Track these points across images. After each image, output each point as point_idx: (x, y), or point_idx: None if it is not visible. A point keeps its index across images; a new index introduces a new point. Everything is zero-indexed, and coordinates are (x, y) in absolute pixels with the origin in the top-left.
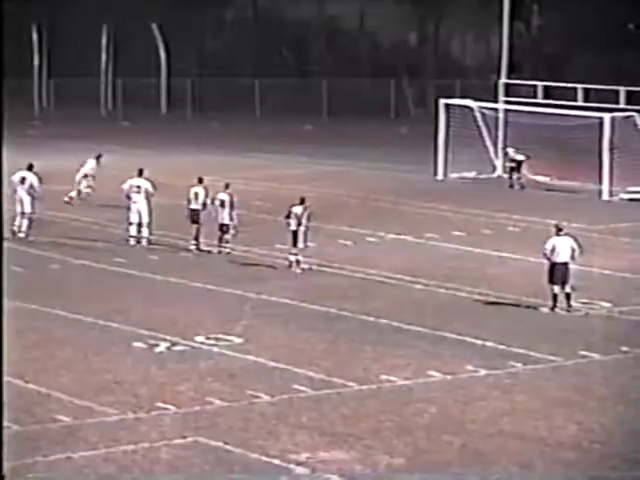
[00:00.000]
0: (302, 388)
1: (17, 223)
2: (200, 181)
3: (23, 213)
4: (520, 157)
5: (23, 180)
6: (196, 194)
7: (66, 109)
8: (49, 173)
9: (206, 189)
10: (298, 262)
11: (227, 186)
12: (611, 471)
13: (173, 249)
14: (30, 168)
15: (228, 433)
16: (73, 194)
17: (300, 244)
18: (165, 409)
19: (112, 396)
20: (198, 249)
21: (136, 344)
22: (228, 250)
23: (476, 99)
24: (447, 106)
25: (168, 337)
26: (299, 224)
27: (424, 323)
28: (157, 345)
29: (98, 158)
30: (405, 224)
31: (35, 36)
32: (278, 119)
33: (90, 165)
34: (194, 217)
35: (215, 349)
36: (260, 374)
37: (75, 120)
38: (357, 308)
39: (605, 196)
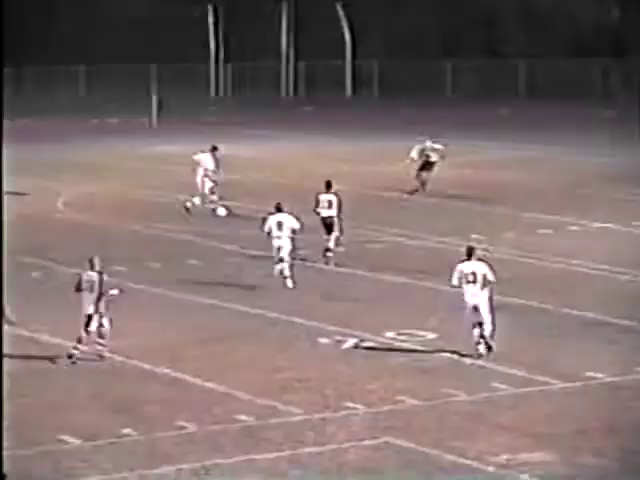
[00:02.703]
0: (501, 386)
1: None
2: (329, 186)
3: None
4: (435, 158)
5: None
6: (329, 202)
7: (244, 95)
8: (226, 161)
9: (337, 196)
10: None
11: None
12: None
13: (360, 241)
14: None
15: (422, 433)
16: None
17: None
18: (354, 408)
19: (297, 395)
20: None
21: (322, 340)
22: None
23: None
24: None
25: (356, 333)
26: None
27: (632, 316)
28: (344, 341)
29: (213, 150)
30: (610, 211)
31: (211, 18)
32: (471, 102)
33: (206, 161)
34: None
35: (407, 345)
36: (455, 371)
37: (254, 106)
38: (560, 301)
39: None
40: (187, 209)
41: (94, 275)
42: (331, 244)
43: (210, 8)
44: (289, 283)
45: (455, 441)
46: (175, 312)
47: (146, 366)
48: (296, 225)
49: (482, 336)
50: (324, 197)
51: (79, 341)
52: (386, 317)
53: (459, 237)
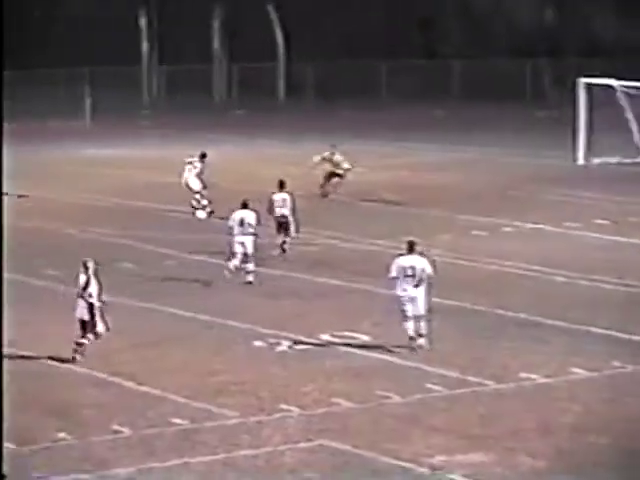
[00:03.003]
0: (435, 387)
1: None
2: (282, 185)
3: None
4: (347, 165)
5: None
6: (284, 200)
7: (177, 97)
8: (159, 164)
9: (291, 195)
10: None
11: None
12: None
13: (295, 243)
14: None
15: (357, 436)
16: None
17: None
18: (288, 411)
19: (232, 398)
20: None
21: (257, 343)
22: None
23: (619, 78)
24: (587, 86)
25: (291, 335)
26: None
27: (566, 317)
28: (279, 344)
29: (202, 157)
30: (543, 213)
31: (143, 21)
32: (407, 104)
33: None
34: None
35: (341, 347)
36: (389, 373)
37: (187, 109)
38: (493, 302)
39: None
40: (210, 213)
41: (83, 278)
42: (286, 240)
43: (143, 11)
44: (250, 278)
45: (390, 443)
46: (110, 316)
47: (81, 370)
48: (254, 222)
49: (418, 333)
50: (278, 196)
51: (77, 345)
52: (321, 319)
53: (394, 239)
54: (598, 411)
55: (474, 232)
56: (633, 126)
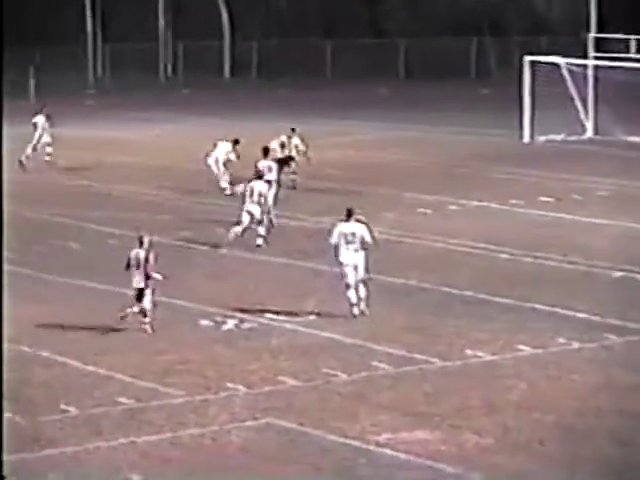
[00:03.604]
0: (381, 365)
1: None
2: (266, 153)
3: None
4: (302, 148)
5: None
6: (269, 167)
7: (123, 76)
8: (106, 144)
9: (275, 162)
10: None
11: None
12: None
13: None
14: (236, 143)
15: (303, 414)
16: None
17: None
18: (235, 390)
19: (178, 377)
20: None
21: (203, 322)
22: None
23: (564, 56)
24: (532, 64)
25: (236, 314)
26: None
27: (511, 294)
28: (225, 323)
29: (236, 143)
30: (489, 191)
31: (87, 0)
32: (351, 82)
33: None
34: None
35: (287, 325)
36: (336, 351)
37: (132, 88)
38: (439, 280)
39: None
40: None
41: (141, 252)
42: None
43: None
44: (260, 241)
45: (336, 421)
46: (58, 296)
47: (29, 350)
48: (266, 193)
49: (359, 298)
50: (263, 164)
51: (131, 307)
52: (266, 298)
53: (338, 217)
54: (544, 388)
55: (419, 210)
56: (578, 103)
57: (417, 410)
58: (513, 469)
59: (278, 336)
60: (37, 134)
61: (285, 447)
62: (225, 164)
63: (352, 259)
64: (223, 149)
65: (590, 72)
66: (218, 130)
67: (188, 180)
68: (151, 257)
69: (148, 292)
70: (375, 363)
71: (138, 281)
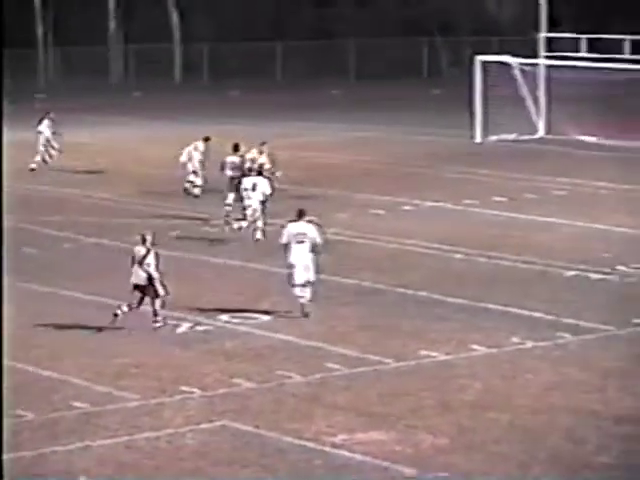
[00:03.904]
0: (336, 367)
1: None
2: (236, 149)
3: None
4: (263, 160)
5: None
6: (232, 162)
7: (74, 80)
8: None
9: (243, 157)
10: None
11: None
12: None
13: (195, 225)
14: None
15: (258, 416)
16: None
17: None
18: (190, 393)
19: (133, 380)
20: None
21: (157, 325)
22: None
23: (515, 56)
24: (484, 64)
25: (191, 317)
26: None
27: (465, 295)
28: (179, 325)
29: (206, 140)
30: (442, 191)
31: (38, 3)
32: (301, 84)
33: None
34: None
35: (241, 328)
36: (291, 353)
37: (83, 91)
38: (393, 281)
39: None
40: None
41: (142, 250)
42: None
43: None
44: (258, 234)
45: (292, 423)
46: (12, 300)
47: None
48: (267, 190)
49: (308, 299)
50: (231, 158)
51: (129, 305)
52: (220, 300)
53: (291, 219)
54: (498, 388)
55: (372, 211)
56: (529, 103)
57: (372, 411)
58: (468, 469)
59: (233, 338)
60: (41, 140)
61: (240, 449)
62: (201, 163)
63: (302, 259)
64: (199, 149)
65: (541, 72)
66: (169, 133)
67: (142, 183)
68: (152, 255)
69: (151, 289)
70: (330, 364)
71: (137, 277)
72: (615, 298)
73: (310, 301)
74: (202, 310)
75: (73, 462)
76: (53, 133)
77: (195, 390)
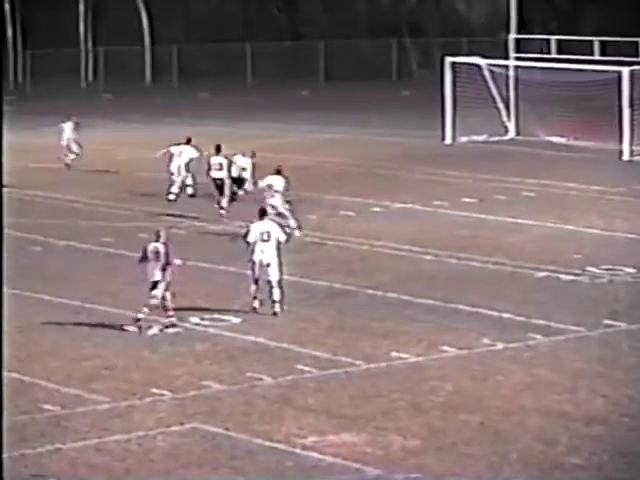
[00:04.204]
0: (307, 368)
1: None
2: (219, 150)
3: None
4: (246, 175)
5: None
6: (220, 164)
7: (44, 82)
8: (28, 150)
9: (227, 158)
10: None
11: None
12: None
13: (166, 227)
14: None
15: (229, 418)
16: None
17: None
18: (160, 395)
19: (103, 383)
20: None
21: (127, 327)
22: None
23: (485, 57)
24: (453, 65)
25: (161, 319)
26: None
27: (436, 296)
28: (149, 327)
29: (189, 142)
30: (412, 192)
31: (7, 6)
32: (271, 86)
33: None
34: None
35: (211, 330)
36: (261, 355)
37: (54, 93)
38: (363, 282)
39: (626, 156)
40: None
41: (160, 246)
42: (224, 202)
43: None
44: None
45: (262, 425)
46: None
47: None
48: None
49: (272, 299)
50: (215, 160)
51: (146, 306)
52: (190, 302)
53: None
54: (469, 389)
55: (343, 212)
56: (499, 104)
57: (343, 412)
58: (439, 470)
59: (203, 341)
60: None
61: (211, 451)
62: (187, 166)
63: (266, 257)
64: (186, 153)
65: (511, 73)
66: (140, 135)
67: (111, 185)
68: (169, 250)
69: (163, 284)
70: (300, 366)
71: (155, 274)
72: (586, 299)
73: (280, 301)
74: (173, 312)
75: (43, 465)
76: (72, 138)
77: (165, 392)
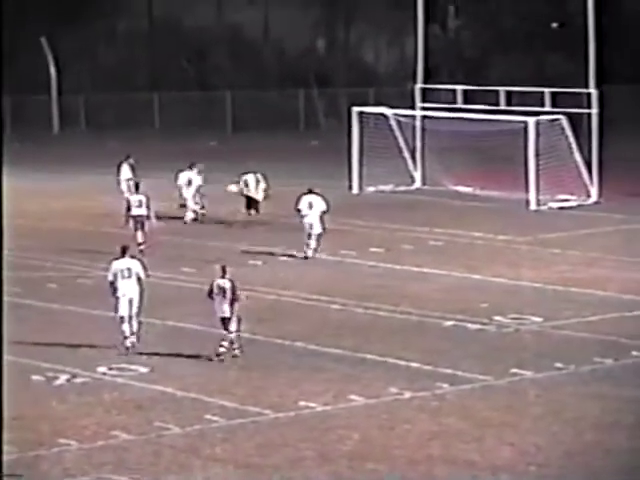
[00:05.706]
0: (214, 418)
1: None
2: (137, 188)
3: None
4: (260, 196)
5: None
6: (140, 201)
7: None
8: None
9: (147, 196)
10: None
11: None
12: None
13: (71, 276)
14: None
15: (136, 468)
16: None
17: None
18: (67, 445)
19: (10, 433)
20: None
21: (35, 377)
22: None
23: (391, 107)
24: (360, 115)
25: (68, 369)
26: None
27: (343, 345)
28: (57, 378)
29: (192, 167)
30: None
31: None
32: (180, 135)
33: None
34: (138, 223)
35: (119, 380)
36: (169, 404)
37: None
38: (271, 331)
39: (532, 205)
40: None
41: (226, 282)
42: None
43: None
44: (310, 252)
45: (170, 475)
46: None
47: None
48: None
49: (132, 332)
50: (134, 198)
51: (223, 339)
52: (98, 352)
53: (169, 270)
54: (376, 438)
55: (250, 262)
56: (406, 154)
57: (250, 462)
58: None
59: (111, 390)
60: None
61: None
62: (198, 189)
63: (128, 293)
64: (195, 179)
65: (417, 123)
66: (50, 184)
67: (18, 236)
68: (235, 285)
69: (234, 319)
70: (208, 416)
71: (224, 310)
72: (492, 348)
73: (136, 333)
74: (80, 362)
75: None
76: (129, 179)
77: (72, 442)
